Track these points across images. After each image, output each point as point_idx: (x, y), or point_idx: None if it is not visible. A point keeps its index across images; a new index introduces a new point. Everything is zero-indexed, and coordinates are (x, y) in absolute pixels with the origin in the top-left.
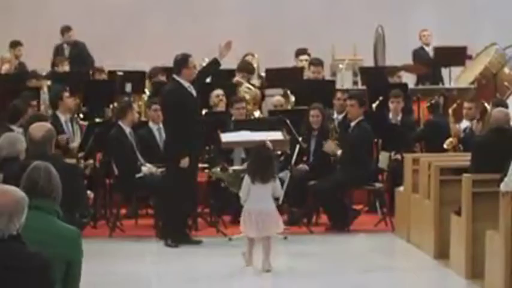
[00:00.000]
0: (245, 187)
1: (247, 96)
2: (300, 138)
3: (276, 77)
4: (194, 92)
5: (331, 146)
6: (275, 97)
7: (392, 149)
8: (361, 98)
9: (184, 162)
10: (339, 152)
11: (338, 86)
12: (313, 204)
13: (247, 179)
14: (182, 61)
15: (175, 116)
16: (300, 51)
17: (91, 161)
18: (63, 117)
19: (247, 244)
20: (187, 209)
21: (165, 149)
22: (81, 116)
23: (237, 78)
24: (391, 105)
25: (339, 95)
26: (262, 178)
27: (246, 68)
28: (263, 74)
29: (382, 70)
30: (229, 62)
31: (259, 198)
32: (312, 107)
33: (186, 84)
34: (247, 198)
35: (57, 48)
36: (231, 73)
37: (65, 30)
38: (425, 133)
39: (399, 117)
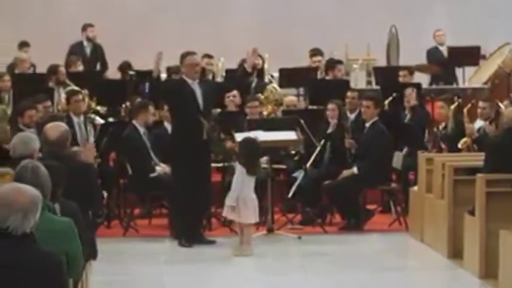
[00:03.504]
0: (239, 177)
1: (271, 97)
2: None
3: (289, 77)
4: (199, 90)
5: (351, 144)
6: (288, 97)
7: (404, 147)
8: (378, 99)
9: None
10: (355, 171)
11: (352, 85)
12: (327, 204)
13: (241, 169)
14: (181, 59)
15: (173, 108)
16: (314, 53)
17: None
18: (75, 118)
19: (240, 232)
20: (200, 208)
21: (168, 147)
22: (97, 117)
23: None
24: (406, 104)
25: (349, 93)
26: (256, 170)
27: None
28: (275, 74)
29: (396, 70)
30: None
31: (251, 188)
32: (330, 102)
33: (190, 81)
34: (240, 187)
35: (74, 46)
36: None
37: (87, 26)
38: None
39: (411, 112)
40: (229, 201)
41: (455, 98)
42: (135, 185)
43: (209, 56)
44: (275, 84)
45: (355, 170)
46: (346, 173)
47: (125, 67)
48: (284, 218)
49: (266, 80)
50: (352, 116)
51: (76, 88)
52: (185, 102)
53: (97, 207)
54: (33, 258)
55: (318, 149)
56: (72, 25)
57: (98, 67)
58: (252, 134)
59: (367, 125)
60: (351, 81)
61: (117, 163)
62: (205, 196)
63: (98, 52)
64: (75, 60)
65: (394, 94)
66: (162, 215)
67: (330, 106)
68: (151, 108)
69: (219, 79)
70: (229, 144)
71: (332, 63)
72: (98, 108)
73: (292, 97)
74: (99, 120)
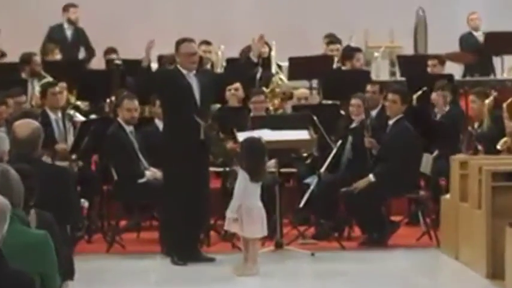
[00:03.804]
0: (241, 184)
1: (278, 90)
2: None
3: (300, 67)
4: (196, 83)
5: (372, 143)
6: (299, 89)
7: (434, 149)
8: (405, 93)
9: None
10: (372, 179)
11: (373, 77)
12: (345, 215)
13: (244, 175)
14: (176, 46)
15: (165, 103)
16: (330, 40)
17: (80, 163)
18: (52, 115)
19: (244, 248)
20: (197, 220)
21: (160, 148)
22: (77, 113)
23: None
24: (435, 99)
25: (369, 87)
26: (260, 175)
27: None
28: (283, 64)
29: (424, 59)
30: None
31: (257, 196)
32: (354, 96)
33: (185, 72)
34: (243, 195)
35: (54, 29)
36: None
37: (69, 6)
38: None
39: (444, 112)
40: (230, 212)
41: (491, 91)
42: (121, 192)
43: (207, 43)
44: (282, 76)
45: (371, 177)
46: (361, 182)
47: (109, 53)
48: (295, 231)
49: (273, 70)
50: (373, 113)
51: (53, 80)
52: (180, 97)
53: (76, 218)
54: (0, 277)
55: (335, 150)
56: (51, 6)
57: (81, 55)
58: (257, 133)
59: (391, 122)
60: (371, 72)
61: (99, 167)
62: (203, 206)
63: (80, 37)
64: (52, 48)
65: (424, 88)
66: (152, 227)
67: (354, 101)
68: (128, 103)
69: (218, 70)
70: (230, 144)
71: (349, 52)
72: (79, 103)
73: (303, 89)
74: (80, 117)
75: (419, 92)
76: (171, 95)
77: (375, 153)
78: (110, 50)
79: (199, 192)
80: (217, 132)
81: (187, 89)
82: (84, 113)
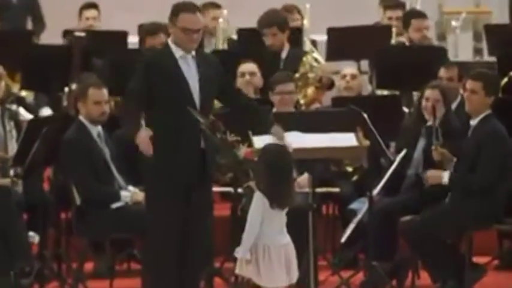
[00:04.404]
0: (257, 211)
1: (311, 75)
2: (392, 148)
3: (344, 42)
4: (194, 69)
5: (444, 155)
6: (345, 70)
7: None
8: (492, 79)
9: (139, 139)
10: (445, 179)
11: (450, 56)
12: (407, 255)
13: (261, 199)
14: (171, 14)
15: (148, 97)
16: (390, 3)
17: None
18: None
19: None
20: (193, 263)
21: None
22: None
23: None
24: None
25: (443, 70)
26: (285, 200)
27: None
28: (319, 38)
29: None
30: None
31: (280, 228)
32: (430, 85)
33: (180, 52)
34: (260, 227)
35: None
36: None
37: None
38: None
39: None
40: (242, 250)
41: None
42: (86, 222)
43: (216, 6)
44: (317, 55)
45: (445, 176)
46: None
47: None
48: (336, 278)
49: (306, 47)
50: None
51: None
52: (168, 88)
53: (22, 260)
54: None
55: (395, 164)
56: None
57: (29, 25)
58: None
59: (473, 122)
60: (448, 50)
61: (55, 186)
62: (203, 243)
63: (29, 1)
64: None
65: None
66: (130, 273)
67: (430, 93)
68: (95, 93)
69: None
70: (243, 150)
71: (412, 18)
72: (24, 93)
73: (351, 69)
74: (26, 115)
75: (505, 79)
76: (157, 88)
77: (450, 169)
78: (89, 5)
79: (197, 223)
80: (223, 134)
81: (180, 80)
82: (32, 108)
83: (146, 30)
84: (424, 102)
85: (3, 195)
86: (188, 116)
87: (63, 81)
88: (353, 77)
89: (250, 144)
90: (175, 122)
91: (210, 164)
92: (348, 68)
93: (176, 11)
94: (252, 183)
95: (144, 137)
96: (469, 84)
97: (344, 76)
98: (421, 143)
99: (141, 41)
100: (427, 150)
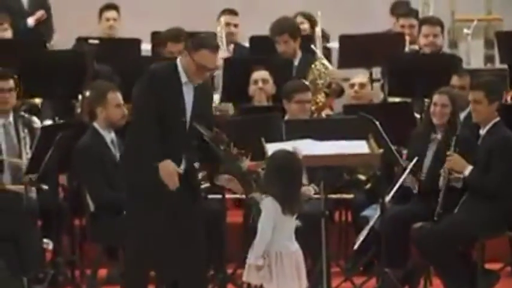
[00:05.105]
0: (269, 218)
1: (320, 81)
2: (404, 154)
3: (356, 49)
4: (190, 95)
5: (457, 162)
6: (356, 77)
7: None
8: (492, 86)
9: (168, 172)
10: (467, 171)
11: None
12: (419, 262)
13: (273, 205)
14: (192, 44)
15: (142, 108)
16: (403, 11)
17: (45, 187)
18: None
19: None
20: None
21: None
22: (34, 117)
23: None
24: None
25: (455, 78)
26: (296, 205)
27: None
28: (332, 45)
29: None
30: None
31: (290, 235)
32: (438, 91)
33: (185, 79)
34: (273, 235)
35: None
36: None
37: None
38: None
39: None
40: (254, 257)
41: None
42: (100, 229)
43: (232, 13)
44: (325, 61)
45: (468, 168)
46: (459, 161)
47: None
48: (348, 285)
49: (318, 53)
50: (461, 116)
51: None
52: (166, 112)
53: (35, 266)
54: None
55: (407, 171)
56: None
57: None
58: (295, 145)
59: (483, 131)
60: (461, 58)
61: (69, 193)
62: (194, 271)
63: (40, 3)
64: (1, 21)
65: None
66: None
67: (437, 99)
68: (115, 97)
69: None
70: (246, 163)
71: (422, 24)
72: (37, 101)
73: (361, 77)
74: (38, 122)
75: None
76: (156, 106)
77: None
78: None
79: (188, 249)
80: (227, 146)
81: (179, 109)
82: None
83: (169, 36)
84: (432, 108)
85: (16, 202)
86: (174, 142)
87: (76, 88)
88: (362, 86)
89: (253, 157)
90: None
91: (195, 186)
92: (357, 76)
93: (199, 44)
94: (255, 195)
95: (173, 174)
96: (472, 95)
97: (353, 85)
98: (431, 150)
99: (159, 46)
100: (437, 158)
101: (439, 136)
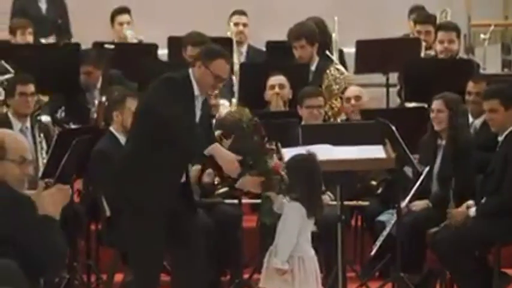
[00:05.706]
0: (297, 221)
1: (335, 86)
2: (417, 160)
3: (372, 54)
4: (199, 108)
5: (456, 216)
6: (349, 91)
7: None
8: (506, 93)
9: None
10: (472, 213)
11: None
12: (435, 267)
13: (299, 209)
14: (206, 55)
15: (152, 118)
16: (420, 18)
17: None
18: (17, 123)
19: None
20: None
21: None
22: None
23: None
24: None
25: (471, 85)
26: (319, 209)
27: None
28: (348, 50)
29: None
30: None
31: (309, 240)
32: (435, 97)
33: (197, 91)
34: (297, 240)
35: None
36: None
37: None
38: None
39: None
40: (280, 261)
41: None
42: (117, 233)
43: (242, 13)
44: (340, 66)
45: (472, 211)
46: (457, 213)
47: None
48: None
49: (334, 59)
50: (477, 122)
51: (23, 74)
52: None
53: (53, 268)
54: None
55: (422, 176)
56: None
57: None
58: (311, 150)
59: (500, 138)
60: (479, 64)
61: (85, 197)
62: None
63: (58, 9)
64: (24, 25)
65: None
66: (163, 284)
67: (434, 104)
68: (133, 104)
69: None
70: (274, 161)
71: (438, 30)
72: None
73: (353, 90)
74: (56, 130)
75: None
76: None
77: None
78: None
79: (188, 263)
80: (261, 139)
81: (191, 122)
82: (61, 121)
83: (191, 40)
84: (431, 114)
85: (32, 205)
86: (183, 154)
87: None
88: (357, 98)
89: (278, 155)
90: (164, 156)
91: (192, 196)
92: (350, 90)
93: (214, 54)
94: (271, 194)
95: (236, 164)
96: (486, 104)
97: (348, 99)
98: (439, 157)
99: (177, 49)
100: (444, 166)
101: (443, 142)
